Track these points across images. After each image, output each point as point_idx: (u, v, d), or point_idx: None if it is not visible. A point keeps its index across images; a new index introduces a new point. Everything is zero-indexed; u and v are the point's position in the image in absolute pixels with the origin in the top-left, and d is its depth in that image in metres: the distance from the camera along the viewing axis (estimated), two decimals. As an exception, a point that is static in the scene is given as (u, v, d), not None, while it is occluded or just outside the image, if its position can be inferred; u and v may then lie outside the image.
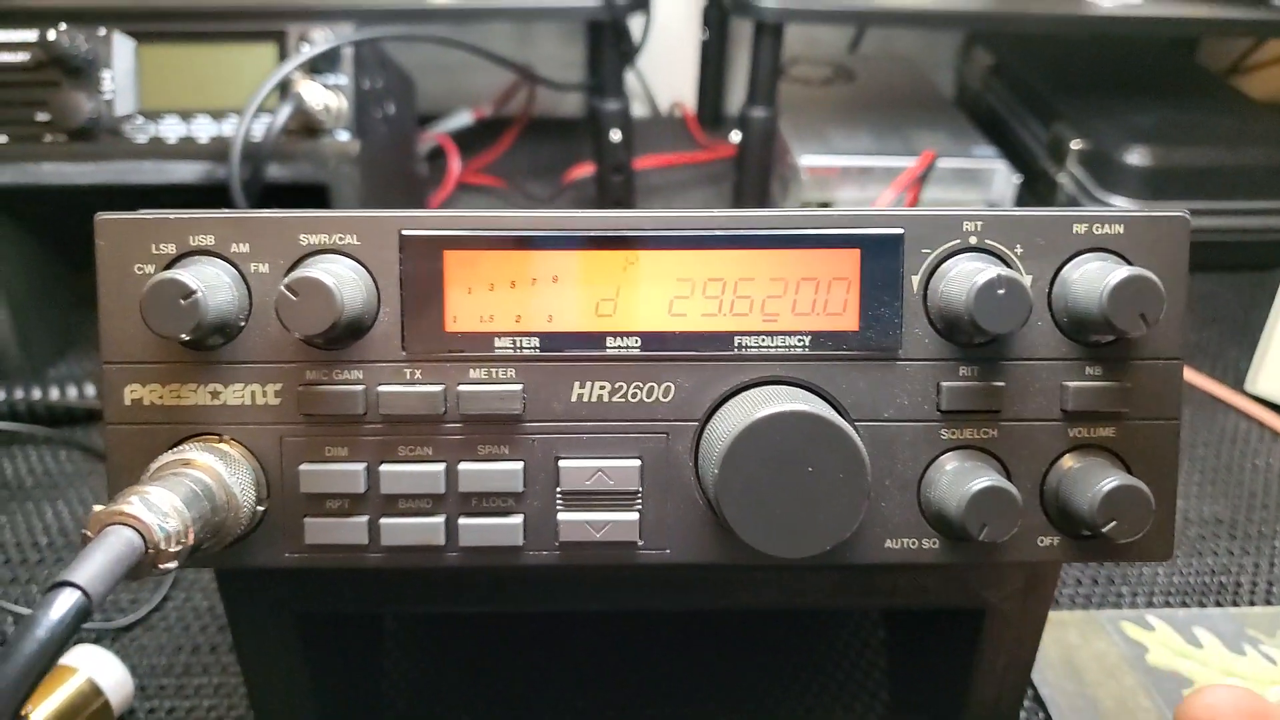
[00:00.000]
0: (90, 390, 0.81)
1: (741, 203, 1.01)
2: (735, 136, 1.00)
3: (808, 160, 1.01)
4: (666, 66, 1.35)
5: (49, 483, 0.77)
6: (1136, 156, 0.98)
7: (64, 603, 0.27)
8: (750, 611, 0.60)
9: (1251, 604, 0.64)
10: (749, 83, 0.95)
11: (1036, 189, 1.07)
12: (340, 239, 0.36)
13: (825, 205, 1.02)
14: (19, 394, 0.81)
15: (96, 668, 0.55)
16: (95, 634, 0.61)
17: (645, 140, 1.19)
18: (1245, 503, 0.73)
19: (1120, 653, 0.60)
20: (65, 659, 0.54)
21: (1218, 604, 0.64)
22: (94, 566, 0.28)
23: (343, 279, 0.34)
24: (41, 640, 0.26)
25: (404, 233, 0.36)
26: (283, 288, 0.33)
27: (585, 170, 1.12)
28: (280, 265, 0.36)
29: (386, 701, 0.57)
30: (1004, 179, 1.01)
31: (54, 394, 0.81)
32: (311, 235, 0.36)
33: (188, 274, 0.33)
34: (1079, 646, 0.60)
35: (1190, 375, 0.85)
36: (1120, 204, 0.97)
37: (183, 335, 0.34)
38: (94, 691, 0.54)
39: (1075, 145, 1.02)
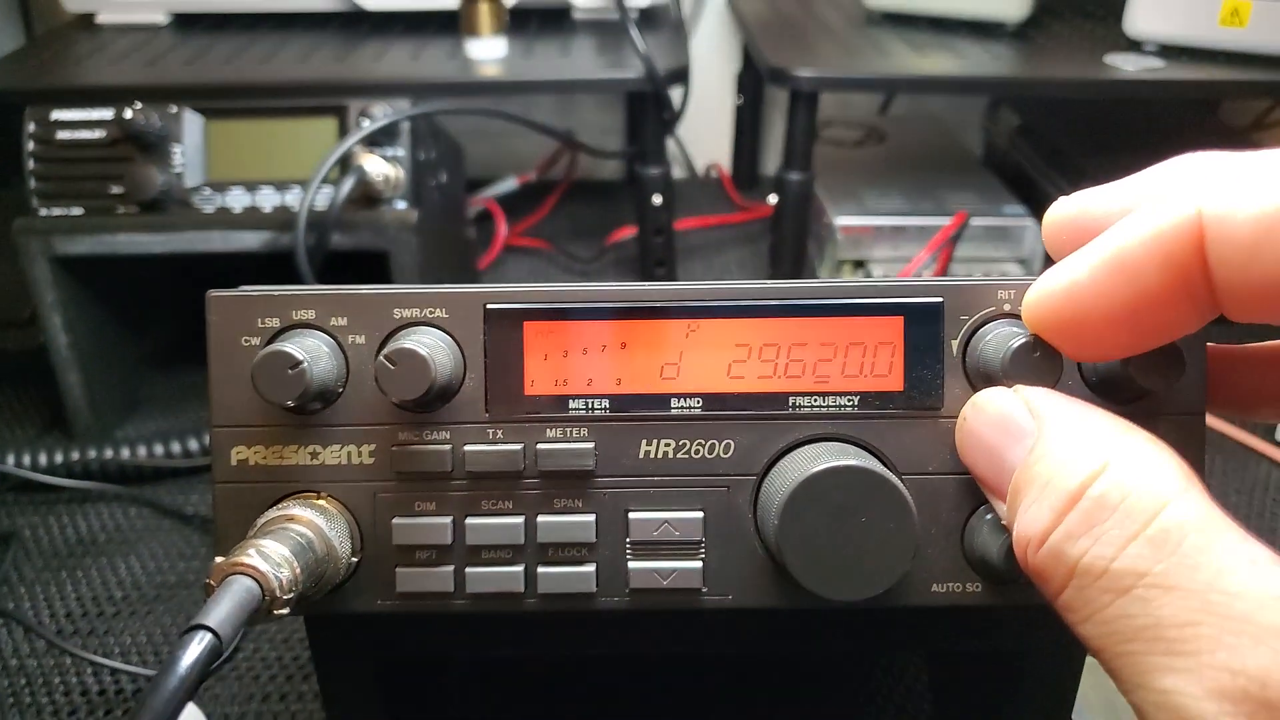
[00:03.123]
0: (158, 449, 0.85)
1: (779, 262, 1.04)
2: (773, 199, 1.04)
3: (842, 220, 1.04)
4: (702, 130, 1.39)
5: (120, 538, 0.80)
6: (1162, 213, 1.01)
7: (199, 643, 0.30)
8: (802, 656, 0.63)
9: (1286, 650, 0.66)
10: (785, 148, 0.99)
11: (1065, 246, 1.10)
12: (430, 312, 0.39)
13: (860, 264, 1.05)
14: (90, 454, 0.85)
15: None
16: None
17: (683, 202, 1.23)
18: (1278, 550, 0.74)
19: (1158, 697, 0.61)
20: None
21: (1253, 650, 0.66)
22: (222, 611, 0.31)
23: (434, 349, 0.37)
24: (182, 675, 0.29)
25: (488, 306, 0.39)
26: (382, 358, 0.36)
27: (627, 232, 1.16)
28: (375, 337, 0.39)
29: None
30: (1034, 236, 1.04)
31: (124, 453, 0.85)
32: (404, 309, 0.39)
33: (294, 346, 0.37)
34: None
35: (1222, 425, 0.88)
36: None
37: (289, 402, 0.37)
38: (177, 736, 0.57)
39: (1102, 203, 1.04)
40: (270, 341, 0.38)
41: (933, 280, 0.40)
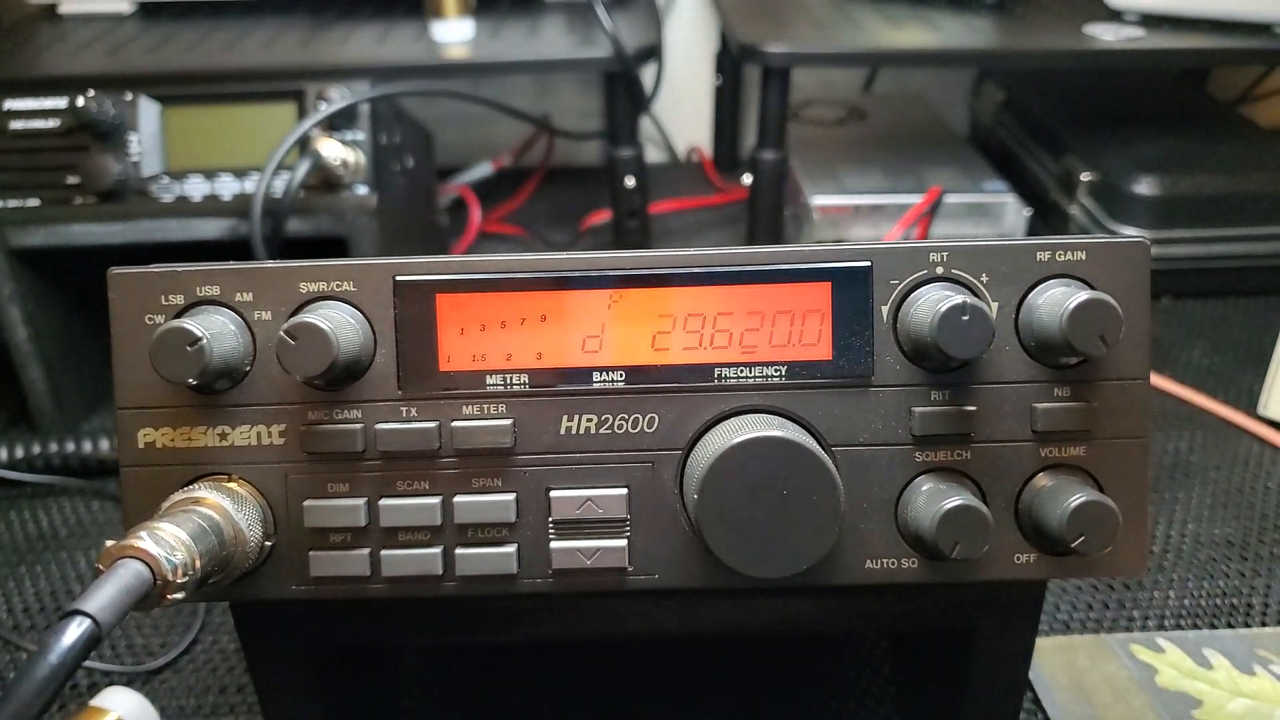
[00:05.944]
0: (122, 442, 0.84)
1: (754, 243, 1.02)
2: (747, 179, 1.02)
3: (819, 200, 1.03)
4: (682, 113, 1.38)
5: (81, 532, 0.79)
6: (1145, 186, 0.99)
7: (74, 630, 0.29)
8: (743, 636, 0.61)
9: (1263, 624, 0.64)
10: (758, 126, 0.97)
11: (1049, 221, 1.08)
12: (337, 286, 0.38)
13: (839, 243, 1.03)
14: (53, 448, 0.83)
15: (128, 710, 0.56)
16: (127, 677, 0.63)
17: (663, 185, 1.21)
18: (1257, 525, 0.73)
19: (1130, 675, 0.60)
20: (98, 701, 0.57)
21: (1229, 625, 0.64)
22: (103, 596, 0.30)
23: (339, 323, 0.36)
24: (53, 664, 0.28)
25: (398, 278, 0.38)
26: (282, 333, 0.35)
27: (603, 216, 1.14)
28: (282, 312, 0.38)
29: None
30: (1015, 212, 1.03)
31: (86, 447, 0.83)
32: (311, 283, 0.38)
33: (193, 322, 0.36)
34: (1088, 669, 0.61)
35: (1203, 400, 0.86)
36: (1130, 234, 0.97)
37: (190, 380, 0.36)
38: (124, 732, 0.56)
39: (1085, 177, 1.03)
40: (173, 319, 0.37)
41: (862, 244, 0.39)
